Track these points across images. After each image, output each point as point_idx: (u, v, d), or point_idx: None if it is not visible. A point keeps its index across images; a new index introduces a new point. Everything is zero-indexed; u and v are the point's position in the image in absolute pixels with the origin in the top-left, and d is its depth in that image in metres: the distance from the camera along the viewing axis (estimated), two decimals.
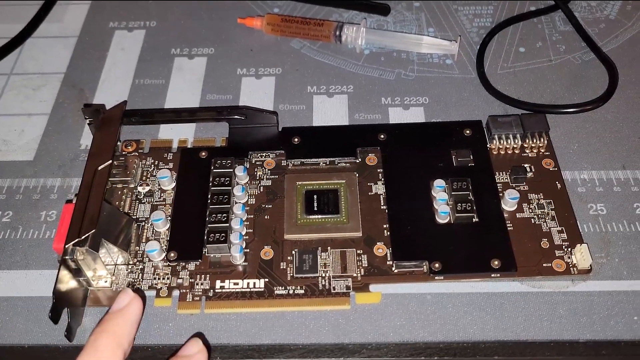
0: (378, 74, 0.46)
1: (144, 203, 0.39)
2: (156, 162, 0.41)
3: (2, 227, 0.39)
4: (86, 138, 0.43)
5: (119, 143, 0.41)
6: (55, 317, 0.31)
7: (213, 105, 0.44)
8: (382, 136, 0.41)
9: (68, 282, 0.33)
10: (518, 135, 0.40)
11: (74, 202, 0.35)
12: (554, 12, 0.50)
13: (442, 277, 0.35)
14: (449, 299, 0.35)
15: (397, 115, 0.43)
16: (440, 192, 0.38)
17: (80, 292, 0.35)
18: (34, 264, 0.37)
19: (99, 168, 0.36)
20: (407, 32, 0.48)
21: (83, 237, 0.33)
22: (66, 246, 0.33)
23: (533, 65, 0.46)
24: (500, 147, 0.40)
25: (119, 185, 0.39)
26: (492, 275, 0.35)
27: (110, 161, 0.36)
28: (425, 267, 0.36)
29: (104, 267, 0.35)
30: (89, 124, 0.41)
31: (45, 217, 0.39)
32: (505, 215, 0.37)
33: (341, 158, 0.40)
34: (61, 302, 0.32)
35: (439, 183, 0.38)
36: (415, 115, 0.43)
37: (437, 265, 0.35)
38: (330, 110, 0.44)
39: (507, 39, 0.48)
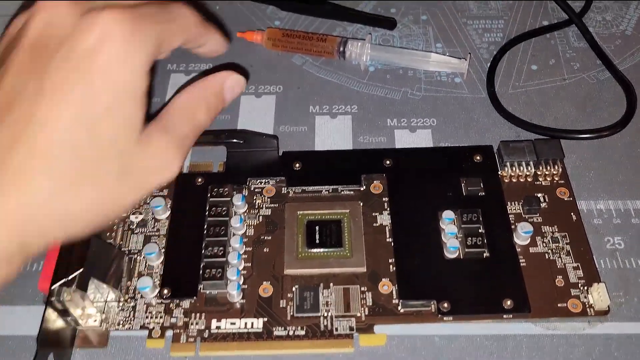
0: (383, 93, 0.44)
1: (137, 234, 0.37)
2: None
3: None
4: None
5: None
6: None
7: (211, 129, 0.42)
8: (387, 162, 0.39)
9: (54, 324, 0.31)
10: (531, 163, 0.38)
11: None
12: (567, 27, 0.47)
13: (450, 318, 0.33)
14: (459, 341, 0.33)
15: (404, 138, 0.41)
16: (449, 225, 0.36)
17: (68, 332, 0.33)
18: (20, 299, 0.35)
19: None
20: (414, 49, 0.46)
21: (70, 277, 0.31)
22: (52, 287, 0.31)
23: (546, 85, 0.44)
24: (512, 174, 0.38)
25: None
26: (504, 316, 0.33)
27: None
28: (433, 306, 0.34)
29: (93, 305, 0.33)
30: None
31: None
32: (518, 249, 0.35)
33: (345, 185, 0.38)
34: (46, 348, 0.30)
35: (447, 215, 0.36)
36: (422, 138, 0.41)
37: (445, 305, 0.33)
38: (333, 132, 0.42)
39: (518, 55, 0.46)
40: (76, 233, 0.24)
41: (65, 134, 0.22)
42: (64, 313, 0.32)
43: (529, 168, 0.38)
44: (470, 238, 0.35)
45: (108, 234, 0.36)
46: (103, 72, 0.22)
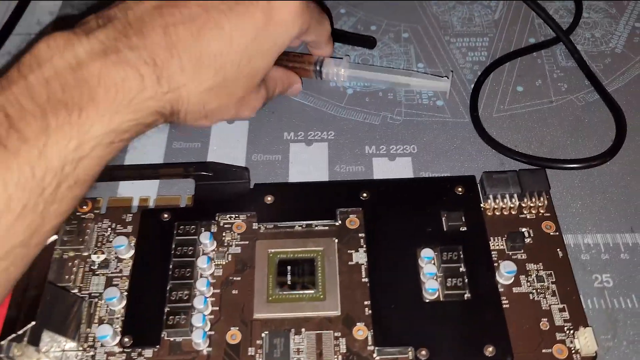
0: (362, 117, 0.42)
1: (98, 275, 0.35)
2: (113, 225, 0.37)
3: None
4: None
5: None
6: None
7: (179, 160, 0.40)
8: (364, 194, 0.37)
9: None
10: (515, 195, 0.36)
11: None
12: (555, 44, 0.45)
13: None
14: None
15: (382, 167, 0.39)
16: (427, 264, 0.34)
17: None
18: None
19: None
20: (394, 68, 0.44)
21: (20, 332, 0.29)
22: (1, 343, 0.29)
23: (532, 107, 0.42)
24: (496, 207, 0.36)
25: (71, 254, 0.35)
26: None
27: (56, 237, 0.32)
28: (410, 354, 0.32)
29: (49, 358, 0.31)
30: None
31: None
32: (501, 289, 0.34)
33: (319, 220, 0.36)
34: None
35: (426, 253, 0.34)
36: (402, 166, 0.39)
37: (423, 352, 0.31)
38: (308, 161, 0.40)
39: (503, 76, 0.44)
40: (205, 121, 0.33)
41: (232, 52, 0.30)
42: None
43: (513, 200, 0.36)
44: (450, 279, 0.33)
45: (67, 276, 0.34)
46: (276, 22, 0.31)
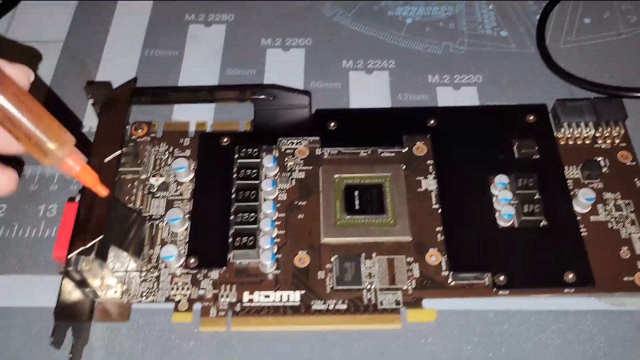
0: (423, 47, 0.40)
1: (158, 197, 0.33)
2: (171, 149, 0.35)
3: None
4: (90, 119, 0.37)
5: (127, 126, 0.36)
6: (57, 342, 0.27)
7: (235, 83, 0.38)
8: (431, 122, 0.36)
9: (72, 295, 0.28)
10: (590, 123, 0.35)
11: (77, 200, 0.30)
12: None
13: (507, 292, 0.30)
14: (515, 317, 0.30)
15: (447, 97, 0.38)
16: (502, 191, 0.33)
17: (86, 305, 0.30)
18: (32, 268, 0.32)
19: (106, 160, 0.30)
20: None
21: (89, 245, 0.28)
22: (69, 256, 0.28)
23: (601, 39, 0.40)
24: (570, 136, 0.35)
25: (129, 177, 0.34)
26: (565, 290, 0.30)
27: (120, 151, 0.31)
28: (487, 279, 0.30)
29: (113, 275, 0.30)
30: (92, 104, 0.35)
31: (44, 212, 0.34)
32: (578, 218, 0.32)
33: (385, 147, 0.35)
34: (64, 321, 0.27)
35: (501, 179, 0.33)
36: (467, 96, 0.38)
37: (501, 278, 0.30)
38: (369, 90, 0.38)
39: (569, 7, 0.42)
40: None
41: None
42: (81, 284, 0.29)
43: (588, 129, 0.35)
44: (526, 205, 0.32)
45: (127, 197, 0.33)
46: None
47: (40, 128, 0.23)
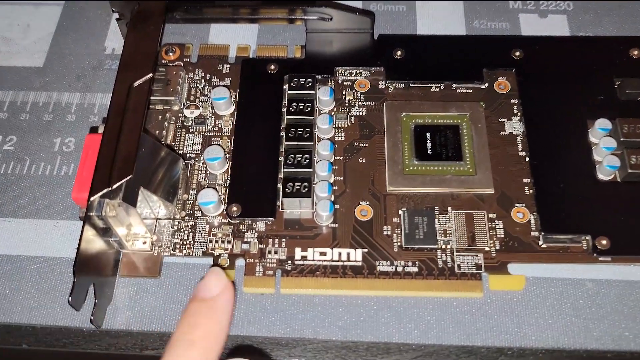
0: None
1: (193, 133, 0.28)
2: (208, 77, 0.30)
3: (3, 158, 0.29)
4: (113, 39, 0.32)
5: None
6: (77, 302, 0.22)
7: (284, 0, 0.32)
8: (517, 53, 0.30)
9: (93, 246, 0.24)
10: None
11: (100, 131, 0.25)
12: None
13: (609, 259, 0.25)
14: (618, 288, 0.25)
15: (532, 26, 0.32)
16: (604, 138, 0.27)
17: (110, 257, 0.25)
18: (46, 211, 0.27)
19: (135, 84, 0.25)
20: None
21: (115, 186, 0.23)
22: (91, 198, 0.23)
23: None
24: None
25: (159, 107, 0.29)
26: None
27: (151, 75, 0.26)
28: (585, 243, 0.26)
29: (142, 223, 0.25)
30: (117, 19, 0.30)
31: (60, 146, 0.29)
32: None
33: (461, 82, 0.29)
34: (85, 277, 0.23)
35: (602, 124, 0.27)
36: (555, 25, 0.32)
37: (603, 242, 0.25)
38: (440, 15, 0.32)
39: None
40: None
41: None
42: (105, 232, 0.24)
43: None
44: (634, 156, 0.27)
45: (157, 132, 0.28)
46: None
47: None
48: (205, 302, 0.21)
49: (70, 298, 0.22)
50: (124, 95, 0.25)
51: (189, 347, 0.20)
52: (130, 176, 0.23)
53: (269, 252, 0.26)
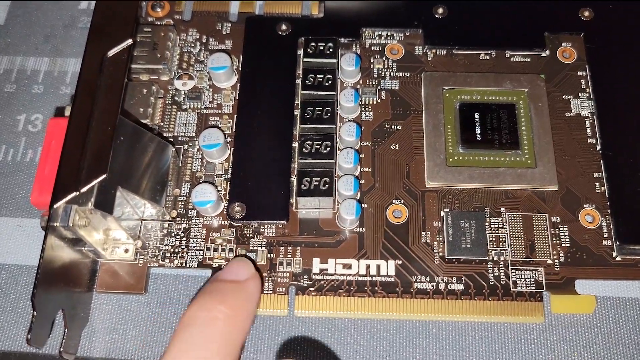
0: None
1: (186, 110, 0.23)
2: (204, 39, 0.24)
3: None
4: None
5: (143, 3, 0.25)
6: (39, 339, 0.17)
7: None
8: (586, 13, 0.24)
9: (60, 260, 0.19)
10: None
11: (67, 114, 0.20)
12: None
13: None
14: None
15: None
16: None
17: (85, 268, 0.20)
18: (7, 206, 0.22)
19: (110, 54, 0.20)
20: None
21: (84, 190, 0.18)
22: (55, 205, 0.18)
23: None
24: None
25: (144, 77, 0.23)
26: None
27: (130, 41, 0.20)
28: None
29: (122, 228, 0.20)
30: None
31: (25, 124, 0.24)
32: None
33: (517, 48, 0.24)
34: (49, 309, 0.18)
35: None
36: None
37: None
38: None
39: None
40: None
41: None
42: (75, 242, 0.19)
43: None
44: None
45: (141, 109, 0.23)
46: None
47: None
48: (231, 282, 0.18)
49: (29, 336, 0.17)
50: (96, 69, 0.19)
51: (211, 324, 0.17)
52: (104, 175, 0.18)
53: (281, 263, 0.21)
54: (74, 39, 0.25)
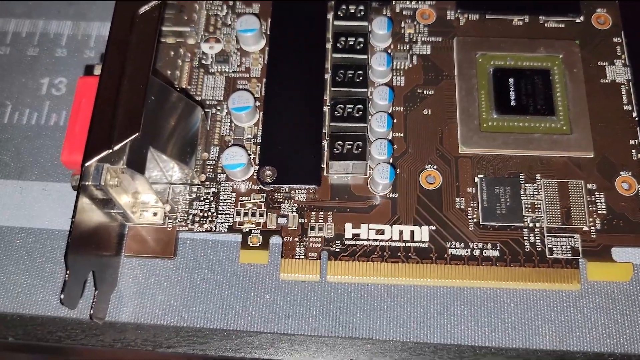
0: None
1: (214, 74, 0.23)
2: (232, 2, 0.24)
3: None
4: None
5: None
6: (71, 300, 0.17)
7: None
8: None
9: (90, 223, 0.18)
10: None
11: (96, 73, 0.19)
12: None
13: None
14: None
15: None
16: None
17: (113, 232, 0.20)
18: (32, 170, 0.22)
19: (141, 11, 0.19)
20: None
21: (117, 148, 0.17)
22: (86, 164, 0.17)
23: None
24: None
25: (170, 41, 0.23)
26: None
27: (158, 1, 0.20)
28: None
29: (152, 190, 0.20)
30: None
31: (48, 88, 0.23)
32: None
33: (552, 14, 0.23)
34: (81, 269, 0.18)
35: None
36: None
37: None
38: None
39: None
40: None
41: None
42: (105, 204, 0.19)
43: None
44: None
45: (168, 72, 0.22)
46: None
47: None
48: None
49: (62, 296, 0.17)
50: (127, 27, 0.19)
51: None
52: (137, 134, 0.17)
53: (312, 228, 0.20)
54: (97, 3, 0.25)
